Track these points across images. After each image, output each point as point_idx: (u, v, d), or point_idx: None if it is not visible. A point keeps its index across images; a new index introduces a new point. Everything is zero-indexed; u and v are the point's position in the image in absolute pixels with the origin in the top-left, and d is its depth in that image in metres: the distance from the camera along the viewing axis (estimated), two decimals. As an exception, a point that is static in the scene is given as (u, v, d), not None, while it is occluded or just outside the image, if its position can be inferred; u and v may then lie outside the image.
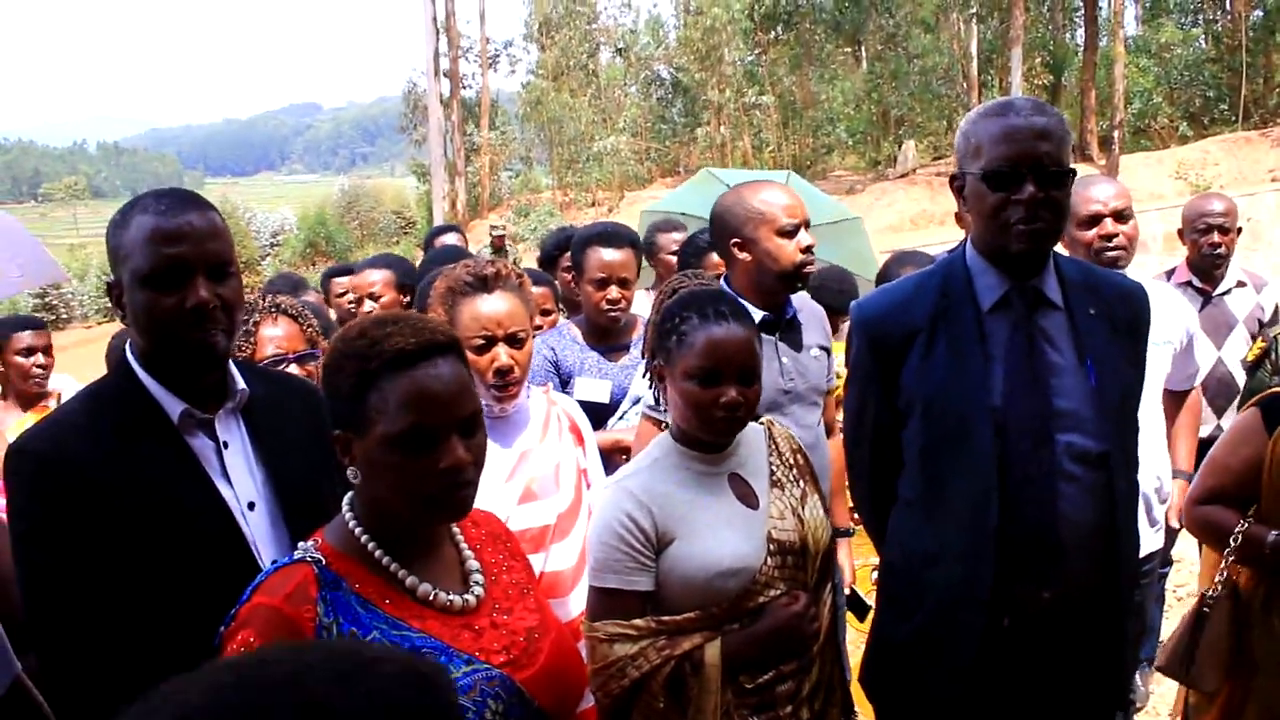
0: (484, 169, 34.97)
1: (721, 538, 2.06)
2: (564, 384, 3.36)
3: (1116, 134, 24.94)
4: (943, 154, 30.00)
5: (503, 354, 2.36)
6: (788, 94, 33.69)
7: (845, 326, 2.66)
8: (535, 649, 1.64)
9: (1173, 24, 31.99)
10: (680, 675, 1.98)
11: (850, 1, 32.70)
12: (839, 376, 3.37)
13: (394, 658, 0.82)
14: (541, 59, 36.50)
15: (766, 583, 2.06)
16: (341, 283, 5.02)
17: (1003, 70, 29.05)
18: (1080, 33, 31.65)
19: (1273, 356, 3.11)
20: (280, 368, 2.59)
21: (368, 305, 4.17)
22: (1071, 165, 2.12)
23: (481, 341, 2.35)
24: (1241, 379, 4.04)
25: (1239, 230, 4.30)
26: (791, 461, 2.25)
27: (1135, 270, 3.21)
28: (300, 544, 1.58)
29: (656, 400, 2.35)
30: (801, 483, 2.23)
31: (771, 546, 2.08)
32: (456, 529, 1.71)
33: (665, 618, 2.02)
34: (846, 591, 3.16)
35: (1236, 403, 3.92)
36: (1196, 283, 4.25)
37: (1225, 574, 2.52)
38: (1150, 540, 3.19)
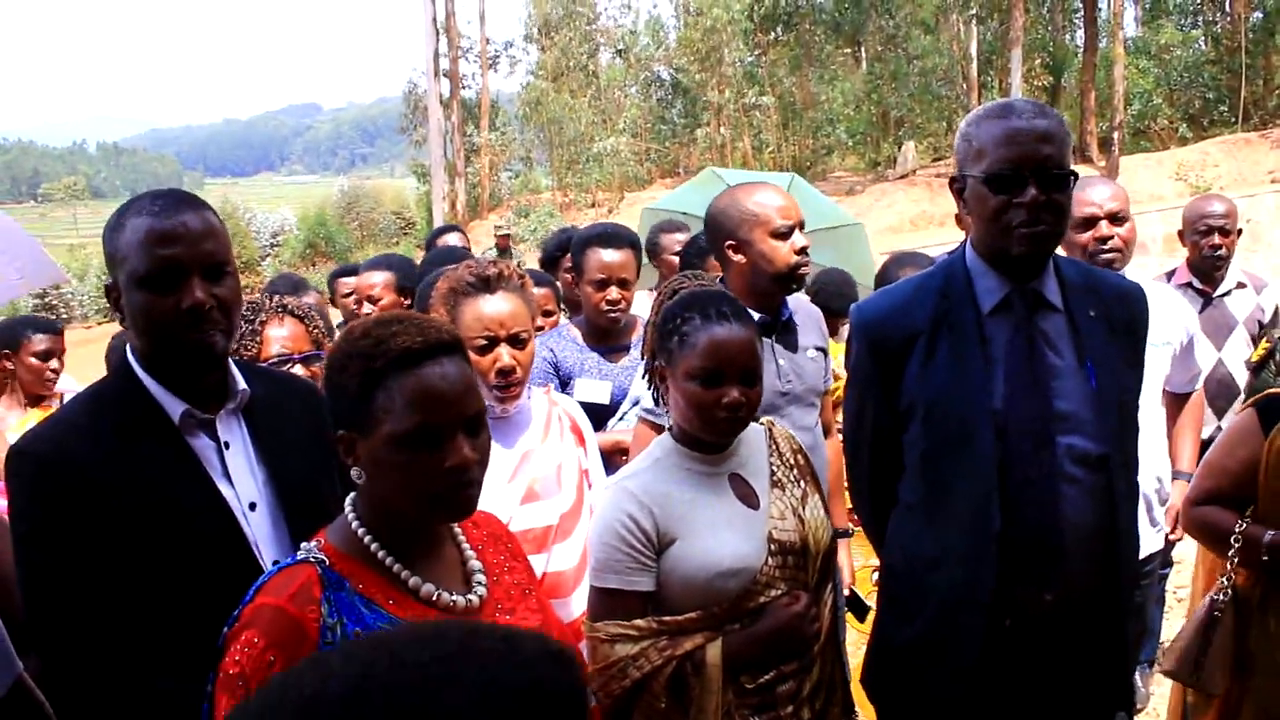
0: (484, 170, 34.96)
1: (722, 538, 2.06)
2: (563, 385, 3.36)
3: (1116, 135, 24.95)
4: (942, 155, 30.00)
5: (505, 354, 2.36)
6: (787, 95, 33.70)
7: (846, 329, 2.66)
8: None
9: (1172, 25, 32.00)
10: (681, 675, 1.98)
11: (850, 2, 32.71)
12: (837, 378, 3.37)
13: (531, 635, 0.82)
14: (541, 60, 36.50)
15: (767, 583, 2.07)
16: (348, 283, 5.03)
17: (1002, 71, 29.06)
18: (1080, 34, 31.65)
19: (1277, 358, 3.11)
20: (285, 368, 2.59)
21: (367, 308, 4.17)
22: (1073, 168, 2.12)
23: (484, 342, 2.35)
24: (1242, 380, 4.04)
25: (1239, 232, 4.30)
26: (792, 462, 2.26)
27: (1135, 272, 3.21)
28: (303, 545, 1.58)
29: (656, 401, 2.35)
30: (802, 483, 2.23)
31: (772, 547, 2.09)
32: (458, 529, 1.71)
33: (666, 618, 2.02)
34: (846, 592, 3.16)
35: (1238, 404, 3.92)
36: (1197, 284, 4.25)
37: (1230, 576, 2.52)
38: (1150, 541, 3.20)
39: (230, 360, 1.97)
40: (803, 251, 2.88)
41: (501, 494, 2.29)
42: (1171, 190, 22.31)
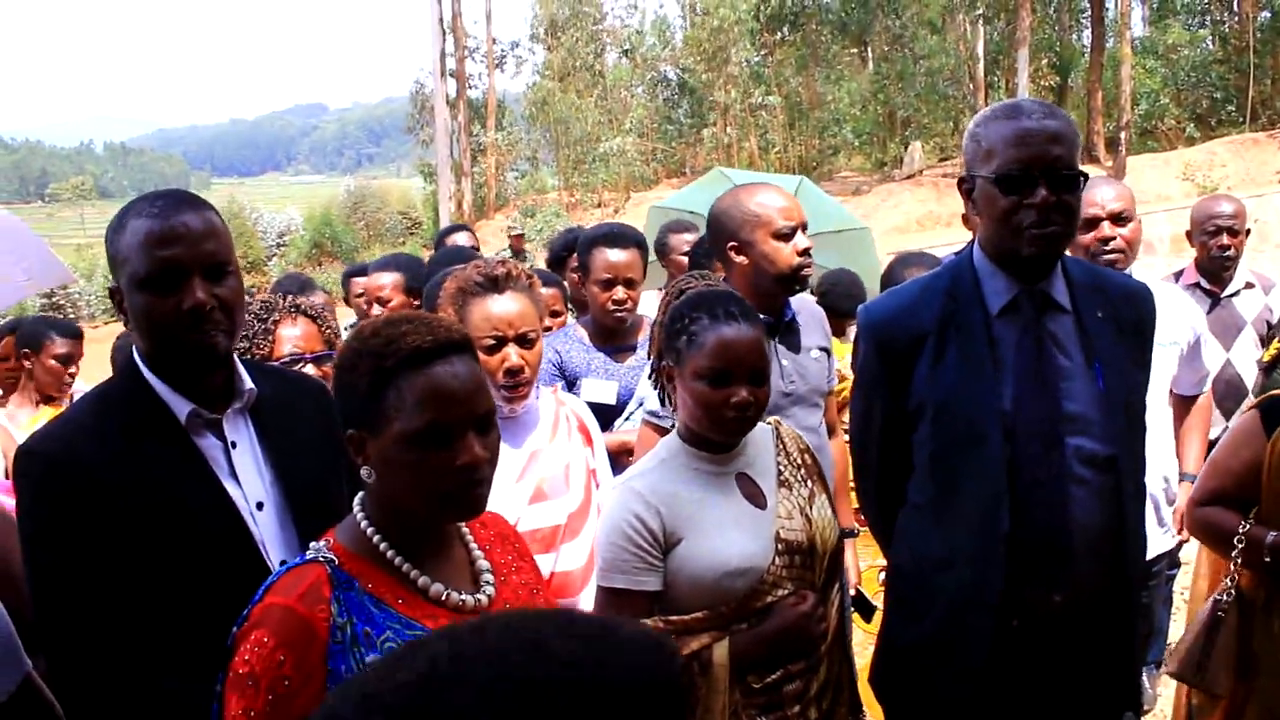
0: (490, 169, 35.01)
1: (729, 538, 2.06)
2: (570, 385, 3.36)
3: (1123, 135, 24.93)
4: (949, 155, 29.98)
5: (513, 354, 2.36)
6: (794, 95, 33.71)
7: (853, 330, 2.66)
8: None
9: (1180, 25, 31.96)
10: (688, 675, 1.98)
11: (857, 2, 32.71)
12: (842, 379, 3.36)
13: (628, 624, 0.82)
14: (548, 60, 36.57)
15: (774, 582, 2.06)
16: (360, 283, 5.04)
17: (1009, 71, 29.06)
18: (1087, 34, 31.63)
19: (1288, 357, 3.09)
20: (297, 367, 2.59)
21: (377, 309, 4.18)
22: (1082, 169, 2.12)
23: (492, 342, 2.35)
24: (1250, 381, 4.03)
25: (1247, 232, 4.28)
26: (799, 461, 2.25)
27: (1142, 272, 3.19)
28: (312, 544, 1.58)
29: (662, 401, 2.35)
30: (809, 483, 2.23)
31: (779, 546, 2.09)
32: (466, 529, 1.71)
33: (673, 617, 2.02)
34: (851, 592, 3.15)
35: (1246, 404, 3.91)
36: (1205, 284, 4.24)
37: (1234, 577, 2.52)
38: (1158, 542, 3.19)
39: (237, 360, 1.96)
40: (805, 253, 2.87)
41: (509, 494, 2.29)
42: (1179, 190, 22.29)
